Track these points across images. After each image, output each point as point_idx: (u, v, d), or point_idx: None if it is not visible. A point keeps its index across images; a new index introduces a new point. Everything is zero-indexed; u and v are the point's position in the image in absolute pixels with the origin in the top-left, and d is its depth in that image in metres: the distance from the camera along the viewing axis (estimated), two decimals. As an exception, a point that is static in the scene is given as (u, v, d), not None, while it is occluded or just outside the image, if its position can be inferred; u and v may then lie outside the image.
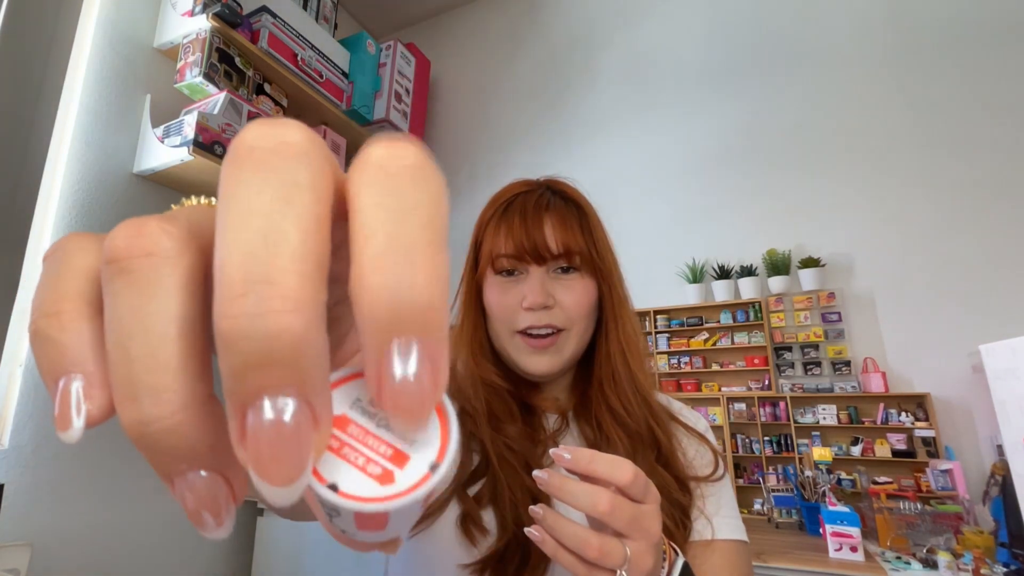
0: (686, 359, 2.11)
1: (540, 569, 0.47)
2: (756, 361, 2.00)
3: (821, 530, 1.43)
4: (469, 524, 0.48)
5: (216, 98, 1.49)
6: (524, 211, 0.53)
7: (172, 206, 0.15)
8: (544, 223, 0.53)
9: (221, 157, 1.45)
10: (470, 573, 0.47)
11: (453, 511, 0.50)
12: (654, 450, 0.52)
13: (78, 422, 0.12)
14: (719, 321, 2.08)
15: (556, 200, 0.55)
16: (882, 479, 1.69)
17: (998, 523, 1.38)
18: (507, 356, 0.55)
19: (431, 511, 0.50)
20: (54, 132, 1.31)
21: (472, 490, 0.50)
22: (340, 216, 0.12)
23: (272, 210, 0.10)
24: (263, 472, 0.10)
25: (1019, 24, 1.82)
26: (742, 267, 2.04)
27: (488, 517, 0.49)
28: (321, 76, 1.92)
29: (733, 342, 2.04)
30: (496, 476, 0.50)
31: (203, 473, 0.11)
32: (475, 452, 0.53)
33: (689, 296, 2.12)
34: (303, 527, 1.64)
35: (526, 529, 0.36)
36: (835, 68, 2.06)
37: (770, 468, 1.86)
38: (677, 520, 0.49)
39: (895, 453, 1.73)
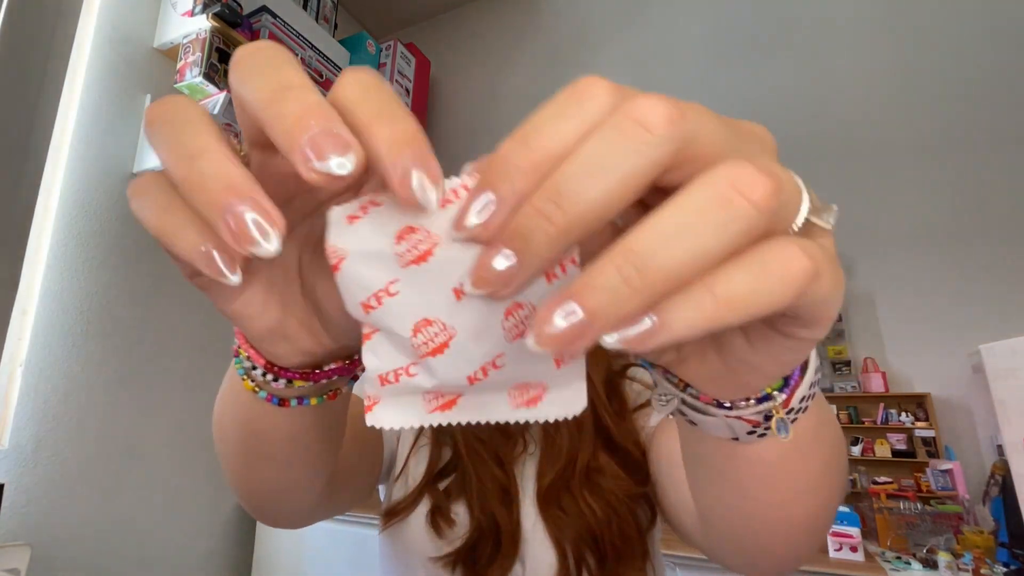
0: (686, 359, 2.11)
1: (510, 559, 0.48)
2: (756, 361, 2.00)
3: (821, 530, 1.43)
4: (438, 518, 0.49)
5: (216, 98, 1.49)
6: None
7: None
8: None
9: (221, 157, 1.45)
10: (441, 566, 0.48)
11: (424, 506, 0.50)
12: (601, 434, 0.51)
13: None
14: (719, 321, 2.08)
15: None
16: (882, 479, 1.69)
17: (998, 523, 1.38)
18: None
19: (403, 507, 0.51)
20: (54, 132, 1.31)
21: (443, 485, 0.51)
22: None
23: None
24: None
25: (1020, 22, 1.82)
26: (742, 267, 2.04)
27: (459, 510, 0.50)
28: (321, 76, 1.92)
29: (733, 342, 2.04)
30: (465, 468, 0.51)
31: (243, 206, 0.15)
32: (446, 446, 0.53)
33: (689, 296, 2.13)
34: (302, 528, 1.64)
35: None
36: (836, 67, 2.06)
37: (770, 468, 1.87)
38: (636, 517, 0.49)
39: (895, 453, 1.73)
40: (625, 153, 0.14)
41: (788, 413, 0.22)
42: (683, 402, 0.23)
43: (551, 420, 0.18)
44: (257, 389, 0.25)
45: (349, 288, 0.18)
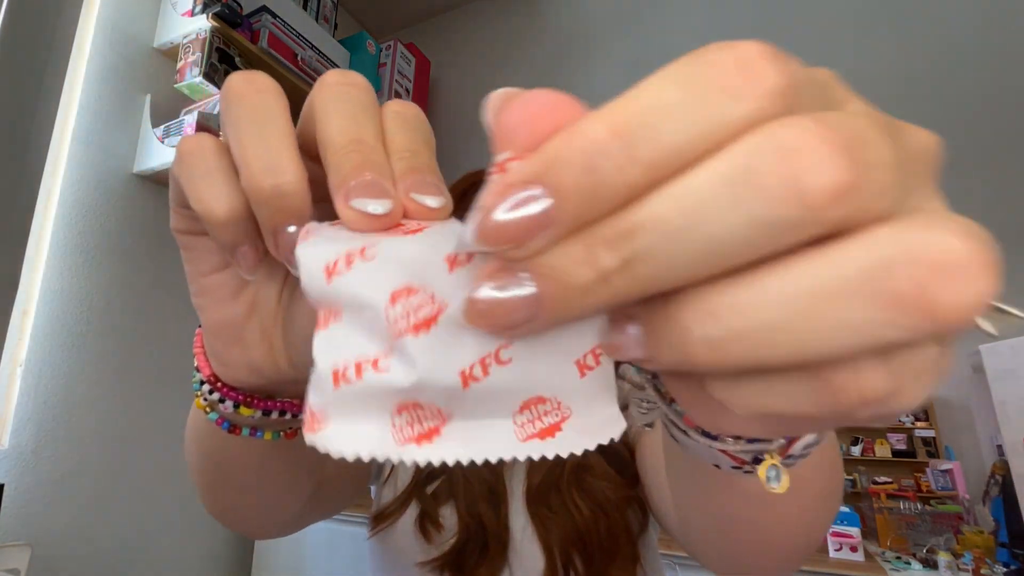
0: (686, 359, 2.11)
1: (498, 562, 0.47)
2: (756, 361, 2.00)
3: (821, 530, 1.43)
4: (426, 522, 0.48)
5: (216, 98, 1.49)
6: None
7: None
8: None
9: (221, 157, 1.45)
10: (429, 571, 0.48)
11: (413, 511, 0.50)
12: None
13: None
14: (719, 321, 2.08)
15: None
16: (882, 479, 1.69)
17: (998, 523, 1.38)
18: None
19: (390, 512, 0.50)
20: (54, 132, 1.31)
21: (431, 488, 0.51)
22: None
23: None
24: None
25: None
26: (742, 267, 2.04)
27: (447, 513, 0.49)
28: (321, 76, 1.92)
29: (733, 342, 2.04)
30: (453, 470, 0.50)
31: (294, 228, 0.16)
32: None
33: (689, 296, 2.12)
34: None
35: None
36: (837, 69, 2.05)
37: (770, 468, 1.87)
38: (625, 519, 0.48)
39: (895, 453, 1.73)
40: (750, 222, 0.09)
41: (786, 459, 0.19)
42: (666, 416, 0.20)
43: (577, 453, 0.13)
44: (208, 409, 0.23)
45: (314, 252, 0.14)
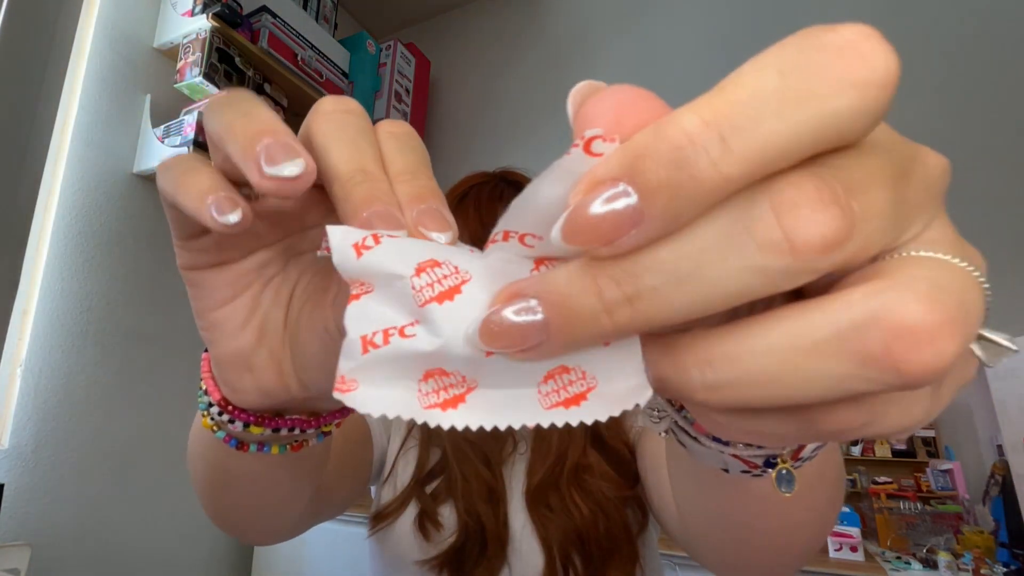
0: (686, 359, 2.11)
1: (497, 561, 0.47)
2: (756, 361, 2.00)
3: (821, 530, 1.43)
4: (425, 522, 0.49)
5: (216, 98, 1.49)
6: (478, 203, 0.54)
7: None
8: (498, 215, 0.52)
9: (221, 157, 1.45)
10: (428, 569, 0.48)
11: (412, 510, 0.50)
12: (591, 432, 0.51)
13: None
14: (719, 321, 2.08)
15: (510, 191, 0.54)
16: (882, 479, 1.69)
17: (998, 523, 1.38)
18: None
19: (390, 512, 0.50)
20: (54, 132, 1.31)
21: (430, 488, 0.51)
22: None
23: None
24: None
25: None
26: (742, 267, 2.04)
27: (446, 512, 0.49)
28: (321, 76, 1.92)
29: (733, 342, 2.04)
30: (452, 469, 0.50)
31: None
32: (435, 448, 0.53)
33: (689, 296, 2.12)
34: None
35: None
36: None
37: (770, 468, 1.86)
38: (624, 519, 0.48)
39: (895, 453, 1.73)
40: (748, 273, 0.09)
41: (796, 462, 0.19)
42: (676, 423, 0.20)
43: (602, 419, 0.13)
44: (215, 428, 0.23)
45: (342, 231, 0.15)
